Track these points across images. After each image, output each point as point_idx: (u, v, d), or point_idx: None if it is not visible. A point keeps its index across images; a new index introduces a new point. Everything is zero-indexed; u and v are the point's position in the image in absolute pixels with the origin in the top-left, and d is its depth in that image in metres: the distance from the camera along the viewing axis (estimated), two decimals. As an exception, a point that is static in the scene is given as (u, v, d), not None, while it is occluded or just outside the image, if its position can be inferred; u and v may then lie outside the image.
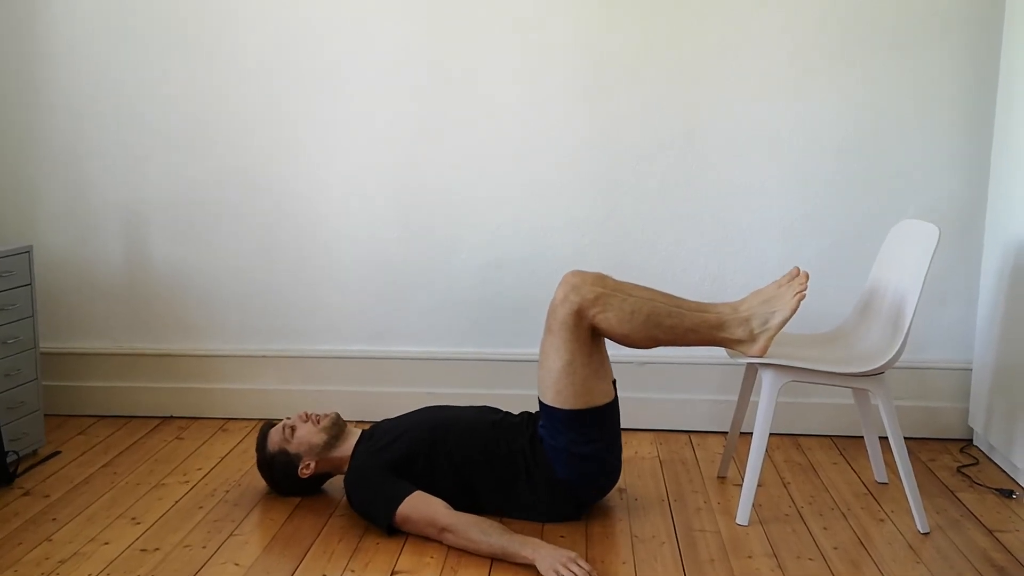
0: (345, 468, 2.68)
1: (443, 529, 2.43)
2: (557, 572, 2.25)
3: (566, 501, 2.59)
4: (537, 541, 2.37)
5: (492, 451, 2.58)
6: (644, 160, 3.24)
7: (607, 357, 2.59)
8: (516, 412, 2.77)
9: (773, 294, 2.53)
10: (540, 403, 2.57)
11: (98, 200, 3.42)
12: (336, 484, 2.81)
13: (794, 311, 2.48)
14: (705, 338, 2.53)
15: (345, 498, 2.72)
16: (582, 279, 2.48)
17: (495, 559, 2.37)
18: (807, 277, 2.51)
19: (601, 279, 2.49)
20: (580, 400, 2.50)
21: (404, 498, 2.47)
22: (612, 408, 2.58)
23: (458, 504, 2.51)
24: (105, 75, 3.34)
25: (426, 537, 2.47)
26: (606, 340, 2.56)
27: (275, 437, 2.71)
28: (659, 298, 2.51)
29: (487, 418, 2.68)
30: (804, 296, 2.48)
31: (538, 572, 2.28)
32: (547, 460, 2.55)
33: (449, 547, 2.43)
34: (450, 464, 2.58)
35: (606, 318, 2.46)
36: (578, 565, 2.26)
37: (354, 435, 2.73)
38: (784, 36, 3.15)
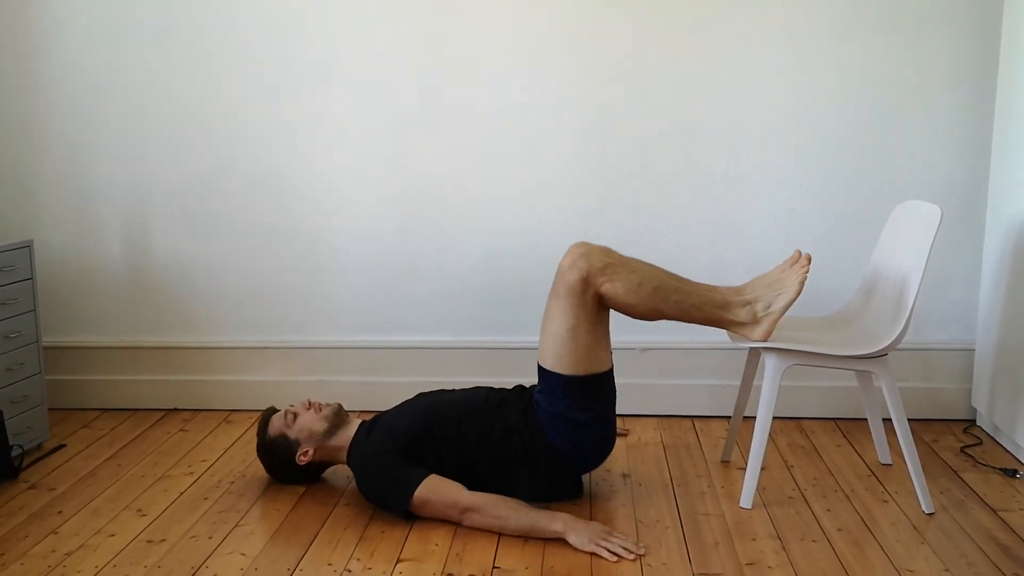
0: (343, 457, 2.69)
1: (466, 509, 2.44)
2: (598, 545, 2.28)
3: (565, 473, 2.59)
4: (566, 516, 2.39)
5: (487, 434, 2.58)
6: (643, 148, 3.24)
7: (608, 330, 2.58)
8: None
9: (776, 278, 2.53)
10: (539, 368, 2.57)
11: (98, 194, 3.41)
12: (339, 473, 2.82)
13: (798, 294, 2.48)
14: (709, 316, 2.53)
15: (350, 486, 2.73)
16: (589, 248, 2.49)
17: (518, 536, 2.38)
18: (809, 260, 2.51)
19: (607, 251, 2.50)
20: (580, 366, 2.50)
21: (421, 481, 2.48)
22: (609, 377, 2.59)
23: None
24: (104, 69, 3.33)
25: (444, 520, 2.47)
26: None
27: (276, 423, 2.73)
28: (663, 274, 2.52)
29: (479, 397, 2.68)
30: (807, 279, 2.48)
31: (546, 546, 2.29)
32: (541, 429, 2.55)
33: (469, 528, 2.43)
34: (450, 450, 2.58)
35: (613, 287, 2.45)
36: (615, 537, 2.31)
37: (354, 425, 2.73)
38: (783, 21, 3.13)
